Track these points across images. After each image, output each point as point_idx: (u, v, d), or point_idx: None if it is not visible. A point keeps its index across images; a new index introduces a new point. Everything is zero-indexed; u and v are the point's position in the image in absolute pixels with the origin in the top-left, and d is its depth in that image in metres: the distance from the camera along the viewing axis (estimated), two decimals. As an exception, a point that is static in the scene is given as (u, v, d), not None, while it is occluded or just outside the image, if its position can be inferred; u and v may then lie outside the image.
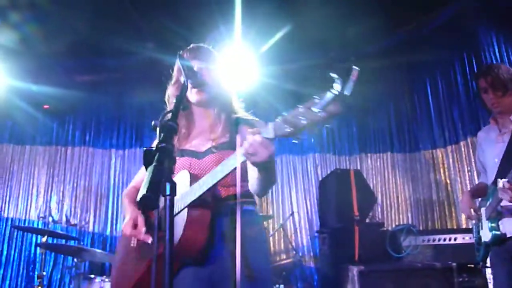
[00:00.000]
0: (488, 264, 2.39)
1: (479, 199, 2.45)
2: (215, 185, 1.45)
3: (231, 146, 1.63)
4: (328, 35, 4.34)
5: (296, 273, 4.56)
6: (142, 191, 0.90)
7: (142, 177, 1.92)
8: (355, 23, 4.18)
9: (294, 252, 4.36)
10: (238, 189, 1.59)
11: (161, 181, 0.94)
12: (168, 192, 0.96)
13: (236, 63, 4.10)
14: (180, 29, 3.99)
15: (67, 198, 5.31)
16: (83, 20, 4.02)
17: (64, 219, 5.13)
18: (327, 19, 4.09)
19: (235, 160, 1.36)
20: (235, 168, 1.36)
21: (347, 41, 4.55)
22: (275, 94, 4.87)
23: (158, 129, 1.05)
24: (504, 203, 2.16)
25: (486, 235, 2.28)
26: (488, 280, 4.08)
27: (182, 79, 1.73)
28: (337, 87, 1.03)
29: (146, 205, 0.92)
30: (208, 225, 1.52)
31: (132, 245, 1.79)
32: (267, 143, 1.26)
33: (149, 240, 1.62)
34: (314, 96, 1.08)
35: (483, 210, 2.33)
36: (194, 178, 1.55)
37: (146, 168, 0.99)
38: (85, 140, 5.56)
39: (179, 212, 1.51)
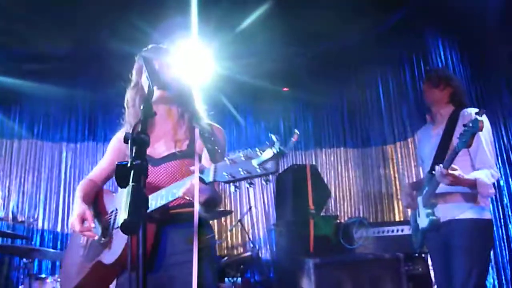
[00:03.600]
0: (425, 250, 2.55)
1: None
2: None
3: (189, 155, 1.64)
4: (285, 31, 4.42)
5: (253, 265, 4.65)
6: (123, 215, 0.89)
7: (100, 170, 1.88)
8: (312, 21, 4.29)
9: (252, 246, 4.43)
10: (196, 210, 1.58)
11: (142, 203, 0.93)
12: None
13: (194, 59, 4.07)
14: (136, 20, 3.89)
15: (13, 193, 5.04)
16: (32, 5, 3.80)
17: (10, 216, 4.88)
18: (284, 16, 4.16)
19: (178, 191, 1.38)
20: (175, 198, 1.39)
21: (304, 37, 4.66)
22: (232, 87, 4.89)
23: (129, 142, 1.04)
24: (440, 190, 2.32)
25: (423, 222, 2.43)
26: (430, 267, 4.39)
27: (143, 80, 1.71)
28: (277, 147, 1.09)
29: (127, 230, 0.90)
30: (153, 235, 1.52)
31: (81, 242, 1.77)
32: (203, 189, 1.32)
33: (96, 237, 1.61)
34: (257, 148, 1.13)
35: (420, 199, 2.50)
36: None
37: (119, 184, 0.98)
38: (33, 132, 5.29)
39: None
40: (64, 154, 5.27)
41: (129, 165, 0.98)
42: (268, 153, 1.09)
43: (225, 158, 1.20)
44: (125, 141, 1.05)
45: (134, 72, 1.80)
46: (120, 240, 1.51)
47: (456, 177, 2.12)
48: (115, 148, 1.85)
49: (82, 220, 1.62)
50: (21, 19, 3.93)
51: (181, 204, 1.61)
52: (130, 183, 0.95)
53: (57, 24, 4.08)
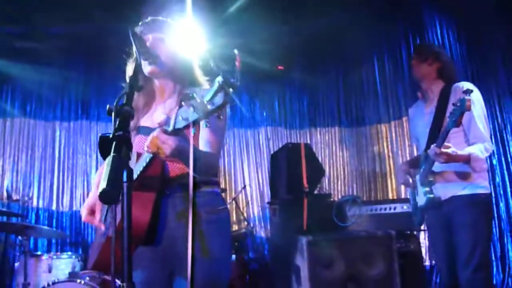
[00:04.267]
0: (423, 228, 2.59)
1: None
2: (160, 162, 1.45)
3: None
4: (279, 9, 4.36)
5: (248, 243, 4.71)
6: (102, 184, 0.88)
7: None
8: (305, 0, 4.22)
9: (246, 223, 4.48)
10: (191, 175, 1.57)
11: (123, 172, 0.92)
12: (125, 179, 0.95)
13: (188, 36, 4.01)
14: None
15: (7, 172, 5.02)
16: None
17: (5, 194, 4.87)
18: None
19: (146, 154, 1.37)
20: (148, 159, 1.39)
21: (298, 16, 4.59)
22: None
23: (113, 114, 1.02)
24: (437, 169, 2.35)
25: (421, 200, 2.45)
26: (421, 245, 4.47)
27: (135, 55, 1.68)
28: (220, 77, 1.05)
29: (105, 199, 0.90)
30: (153, 205, 1.50)
31: (102, 220, 1.82)
32: (165, 138, 1.28)
33: (102, 228, 1.63)
34: (208, 87, 1.09)
35: (417, 177, 2.51)
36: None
37: (103, 156, 0.97)
38: (26, 111, 5.23)
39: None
40: (57, 133, 5.24)
41: (111, 136, 0.97)
42: (215, 86, 1.06)
43: (182, 103, 1.17)
44: (108, 113, 1.03)
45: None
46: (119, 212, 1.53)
47: (449, 154, 2.14)
48: None
49: (91, 211, 1.65)
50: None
51: (184, 173, 1.59)
52: (111, 154, 0.94)
53: (50, 1, 3.98)
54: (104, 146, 0.97)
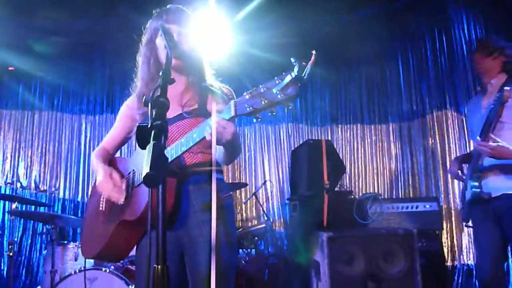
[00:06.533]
0: (470, 224, 2.54)
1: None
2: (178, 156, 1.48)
3: (200, 113, 1.66)
4: (301, 5, 4.34)
5: (267, 238, 4.73)
6: (146, 169, 0.92)
7: (112, 138, 1.93)
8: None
9: (266, 218, 4.50)
10: (214, 160, 1.63)
11: (163, 159, 0.97)
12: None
13: (212, 30, 4.05)
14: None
15: (35, 163, 5.19)
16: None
17: (33, 185, 5.04)
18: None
19: (198, 134, 1.39)
20: (197, 141, 1.41)
21: (320, 12, 4.56)
22: (250, 62, 4.86)
23: (149, 105, 1.07)
24: (488, 163, 2.28)
25: (468, 194, 2.41)
26: (443, 244, 4.40)
27: (159, 43, 1.72)
28: (295, 70, 1.11)
29: (150, 183, 0.93)
30: (174, 191, 1.56)
31: (100, 208, 1.83)
32: (229, 124, 1.33)
33: (122, 199, 1.65)
34: (275, 77, 1.14)
35: (467, 171, 2.47)
36: None
37: (139, 144, 1.02)
38: (53, 104, 5.40)
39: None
40: (83, 126, 5.38)
41: (149, 126, 1.01)
42: (287, 78, 1.12)
43: (244, 93, 1.22)
44: (145, 104, 1.08)
45: (149, 29, 1.78)
46: (141, 197, 1.56)
47: (494, 148, 2.08)
48: (127, 115, 1.87)
49: (113, 182, 1.68)
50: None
51: (201, 163, 1.65)
52: (151, 141, 0.98)
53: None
54: (141, 135, 1.01)
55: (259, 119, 1.22)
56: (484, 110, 2.41)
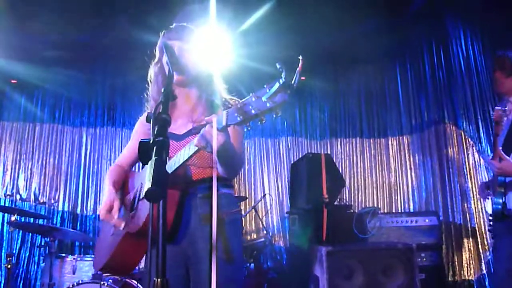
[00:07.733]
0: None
1: None
2: (184, 166, 1.49)
3: None
4: (300, 20, 4.39)
5: (266, 252, 4.71)
6: (147, 184, 0.94)
7: (127, 154, 1.96)
8: (327, 8, 4.24)
9: (265, 232, 4.49)
10: (214, 173, 1.64)
11: (165, 174, 0.98)
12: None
13: (214, 44, 4.10)
14: (154, 8, 3.93)
15: (35, 176, 5.20)
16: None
17: (32, 197, 5.04)
18: (302, 6, 4.13)
19: (192, 144, 1.41)
20: (193, 152, 1.41)
21: (320, 26, 4.61)
22: (249, 75, 4.90)
23: (152, 121, 1.09)
24: (509, 178, 2.25)
25: (489, 209, 2.40)
26: (443, 260, 4.37)
27: (164, 59, 1.75)
28: (283, 76, 1.09)
29: (151, 198, 0.95)
30: (177, 204, 1.57)
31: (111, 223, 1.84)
32: (217, 134, 1.33)
33: (121, 226, 1.65)
34: (264, 86, 1.14)
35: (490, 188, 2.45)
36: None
37: (141, 160, 1.04)
38: (55, 117, 5.43)
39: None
40: (84, 139, 5.40)
41: (151, 141, 1.04)
42: (276, 85, 1.10)
43: (236, 103, 1.23)
44: (147, 120, 1.10)
45: (157, 49, 1.83)
46: (143, 210, 1.57)
47: (500, 167, 2.08)
48: (141, 131, 1.92)
49: (110, 209, 1.68)
50: (44, 6, 4.01)
51: (210, 177, 1.66)
52: (153, 157, 1.00)
53: (79, 12, 4.15)
54: (143, 151, 1.03)
55: (249, 128, 1.22)
56: (505, 128, 2.41)
